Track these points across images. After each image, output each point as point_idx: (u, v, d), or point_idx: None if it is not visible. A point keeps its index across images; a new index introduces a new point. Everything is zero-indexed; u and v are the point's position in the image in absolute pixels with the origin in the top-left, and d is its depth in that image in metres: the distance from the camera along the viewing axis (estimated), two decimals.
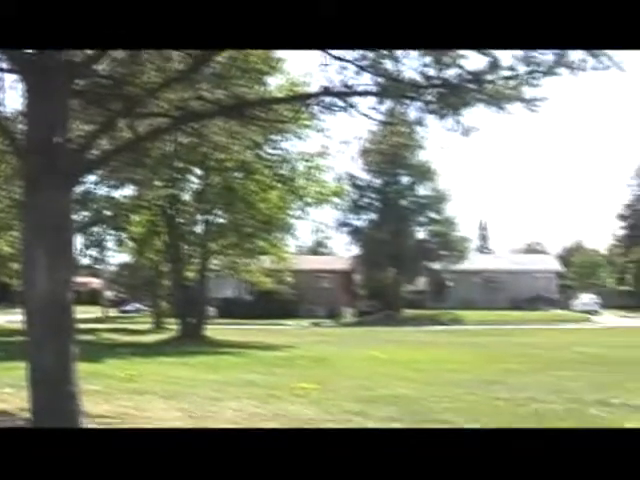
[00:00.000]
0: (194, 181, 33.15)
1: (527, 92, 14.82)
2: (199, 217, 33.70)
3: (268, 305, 55.19)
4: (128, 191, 32.61)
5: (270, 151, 29.47)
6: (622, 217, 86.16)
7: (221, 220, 33.98)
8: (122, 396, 11.02)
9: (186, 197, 33.55)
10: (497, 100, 14.61)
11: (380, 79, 10.69)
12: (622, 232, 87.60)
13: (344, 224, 62.86)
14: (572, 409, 9.75)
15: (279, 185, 31.18)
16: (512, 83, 12.79)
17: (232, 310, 55.29)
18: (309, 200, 32.91)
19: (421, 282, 71.67)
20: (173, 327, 34.45)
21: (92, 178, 27.98)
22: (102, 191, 32.20)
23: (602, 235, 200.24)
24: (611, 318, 58.96)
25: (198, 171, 32.00)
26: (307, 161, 31.96)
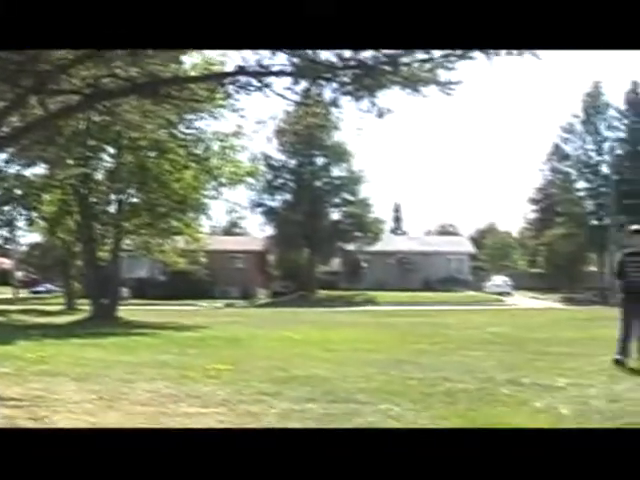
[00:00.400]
0: (107, 160, 32.69)
1: (442, 75, 14.95)
2: (112, 196, 33.23)
3: (182, 286, 54.84)
4: (39, 170, 32.00)
5: (184, 130, 29.20)
6: (534, 201, 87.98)
7: (134, 199, 33.56)
8: (33, 378, 10.78)
9: (99, 176, 33.07)
10: (412, 83, 14.70)
11: (295, 59, 10.64)
12: (533, 215, 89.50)
13: (258, 204, 62.82)
14: (484, 388, 9.90)
15: (193, 165, 30.97)
16: (427, 66, 12.86)
17: (145, 291, 54.87)
18: (223, 180, 32.77)
19: (335, 263, 72.10)
20: (85, 308, 33.95)
21: (2, 156, 27.32)
22: (12, 169, 31.50)
23: (514, 218, 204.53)
24: (522, 299, 60.24)
25: (111, 150, 31.54)
26: (222, 141, 31.79)
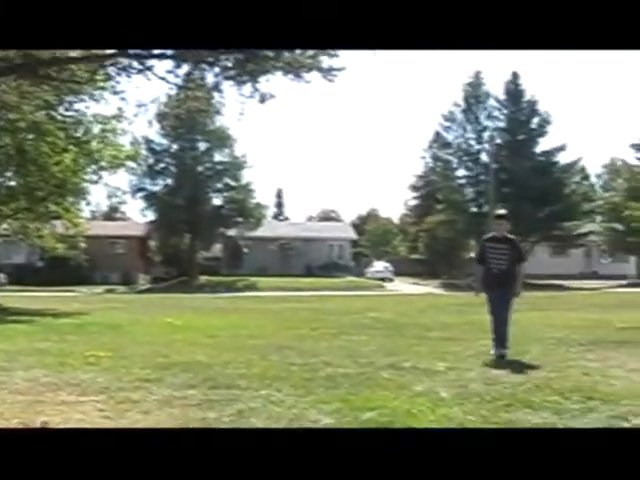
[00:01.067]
0: None
1: (325, 62, 15.03)
2: None
3: (60, 271, 53.61)
4: None
5: (64, 112, 28.46)
6: (414, 188, 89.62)
7: (12, 183, 32.58)
8: None
9: None
10: (295, 68, 14.72)
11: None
12: (414, 202, 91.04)
13: (139, 189, 61.81)
14: (365, 373, 10.06)
15: (73, 148, 30.23)
16: (310, 52, 12.90)
17: (23, 277, 53.38)
18: (104, 164, 32.12)
19: (217, 249, 71.78)
20: None
21: None
22: None
23: (395, 205, 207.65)
24: (403, 285, 61.14)
25: None
26: (102, 124, 31.14)
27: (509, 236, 11.97)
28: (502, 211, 12.66)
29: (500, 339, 11.71)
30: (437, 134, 69.37)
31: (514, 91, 63.66)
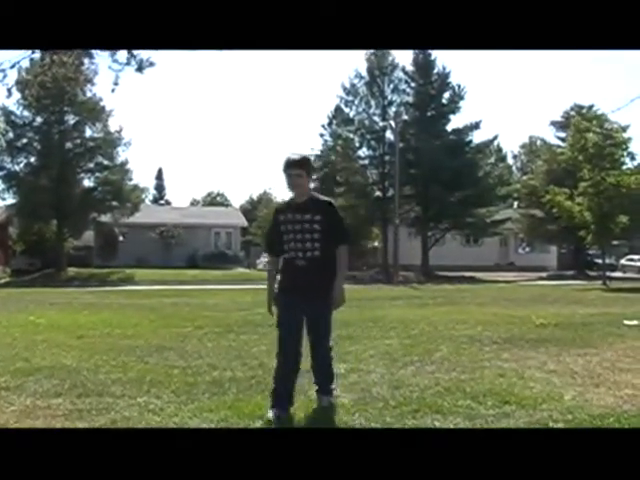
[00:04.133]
0: None
1: None
2: None
3: None
4: None
5: None
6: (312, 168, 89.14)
7: None
8: None
9: None
10: None
11: None
12: (312, 185, 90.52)
13: None
14: (255, 376, 10.07)
15: None
16: None
17: None
18: None
19: (88, 237, 70.67)
20: None
21: None
22: None
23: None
24: None
25: None
26: None
27: (319, 198, 8.12)
28: (295, 155, 8.03)
29: (324, 383, 8.45)
30: (337, 109, 69.32)
31: (423, 62, 63.95)
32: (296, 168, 7.93)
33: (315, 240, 7.81)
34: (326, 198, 8.13)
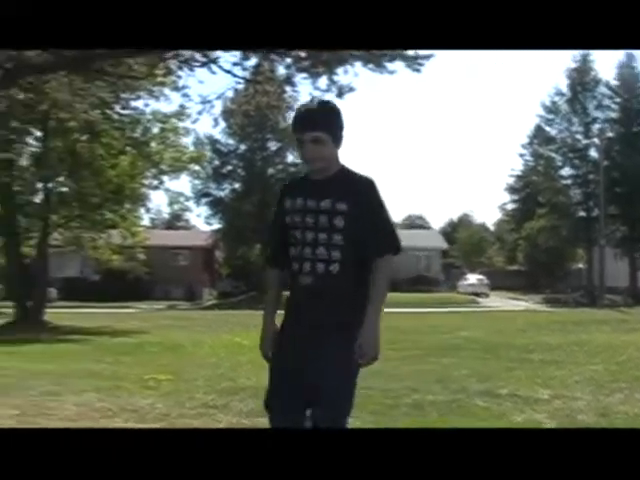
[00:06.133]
0: (32, 144, 32.27)
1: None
2: (38, 185, 32.85)
3: (117, 285, 54.47)
4: None
5: (120, 111, 28.96)
6: (512, 189, 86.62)
7: (64, 189, 33.24)
8: None
9: (23, 162, 32.66)
10: (376, 57, 14.64)
11: None
12: (512, 206, 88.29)
13: (204, 194, 62.39)
14: (456, 400, 9.95)
15: (130, 150, 30.75)
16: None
17: (76, 291, 54.34)
18: (164, 167, 32.60)
19: None
20: (7, 311, 33.59)
21: None
22: None
23: (490, 209, 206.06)
24: (500, 301, 60.27)
25: (37, 132, 31.17)
26: (162, 123, 31.61)
27: (350, 174, 4.91)
28: (311, 105, 4.97)
29: None
30: (538, 128, 67.98)
31: (629, 76, 61.77)
32: (311, 128, 4.72)
33: (333, 245, 4.64)
34: (363, 174, 4.91)
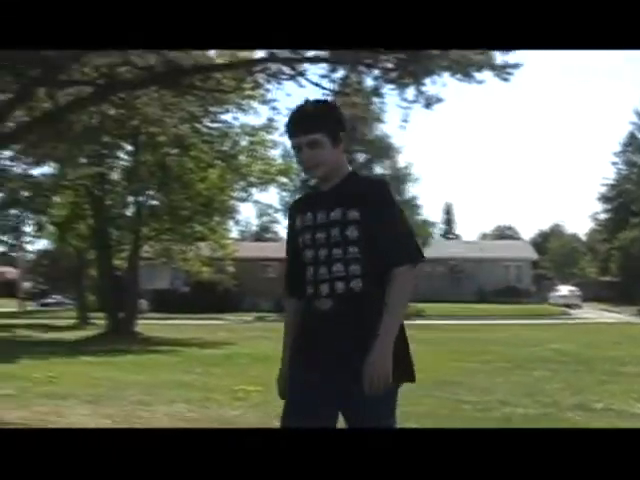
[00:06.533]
0: (124, 158, 32.82)
1: (498, 58, 14.78)
2: (129, 198, 33.42)
3: (207, 297, 54.95)
4: (48, 169, 32.13)
5: (209, 125, 29.26)
6: (605, 199, 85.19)
7: (154, 202, 33.72)
8: (39, 401, 10.90)
9: (115, 176, 33.23)
10: (464, 67, 14.56)
11: None
12: (605, 215, 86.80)
13: None
14: (548, 414, 9.84)
15: (219, 163, 31.07)
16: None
17: (167, 303, 55.01)
18: (253, 179, 32.86)
19: None
20: (100, 322, 34.19)
21: (7, 154, 27.53)
22: (18, 169, 31.65)
23: (582, 219, 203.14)
24: (592, 312, 59.31)
25: (128, 147, 31.68)
26: (251, 136, 31.89)
27: (357, 178, 4.26)
28: (307, 105, 4.17)
29: None
30: (631, 135, 67.03)
31: None
32: (305, 130, 4.07)
33: (350, 259, 4.00)
34: (373, 176, 4.17)
